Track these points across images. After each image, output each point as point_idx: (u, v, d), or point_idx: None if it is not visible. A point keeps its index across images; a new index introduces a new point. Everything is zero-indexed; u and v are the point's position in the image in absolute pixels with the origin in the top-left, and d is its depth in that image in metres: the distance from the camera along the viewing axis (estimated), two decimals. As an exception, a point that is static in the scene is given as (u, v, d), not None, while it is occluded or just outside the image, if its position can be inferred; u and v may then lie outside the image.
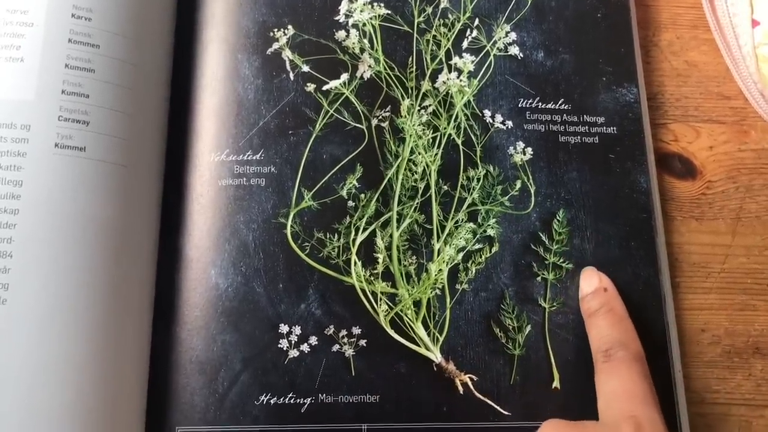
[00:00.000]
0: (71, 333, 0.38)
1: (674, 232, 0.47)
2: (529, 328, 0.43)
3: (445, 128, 0.44)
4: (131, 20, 0.44)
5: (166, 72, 0.46)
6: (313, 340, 0.42)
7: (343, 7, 0.47)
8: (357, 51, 0.46)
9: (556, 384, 0.42)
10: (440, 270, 0.42)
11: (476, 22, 0.47)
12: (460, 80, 0.45)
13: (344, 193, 0.44)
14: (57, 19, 0.42)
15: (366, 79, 0.46)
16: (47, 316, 0.38)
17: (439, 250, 0.43)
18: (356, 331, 0.42)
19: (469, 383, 0.41)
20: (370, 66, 0.45)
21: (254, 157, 0.44)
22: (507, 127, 0.46)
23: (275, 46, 0.46)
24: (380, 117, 0.45)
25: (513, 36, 0.48)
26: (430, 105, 0.45)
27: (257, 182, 0.44)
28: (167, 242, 0.43)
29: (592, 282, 0.42)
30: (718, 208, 0.48)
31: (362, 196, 0.44)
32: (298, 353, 0.42)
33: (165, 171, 0.45)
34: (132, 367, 0.41)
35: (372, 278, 0.42)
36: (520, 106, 0.47)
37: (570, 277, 0.44)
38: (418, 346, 0.42)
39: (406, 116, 0.44)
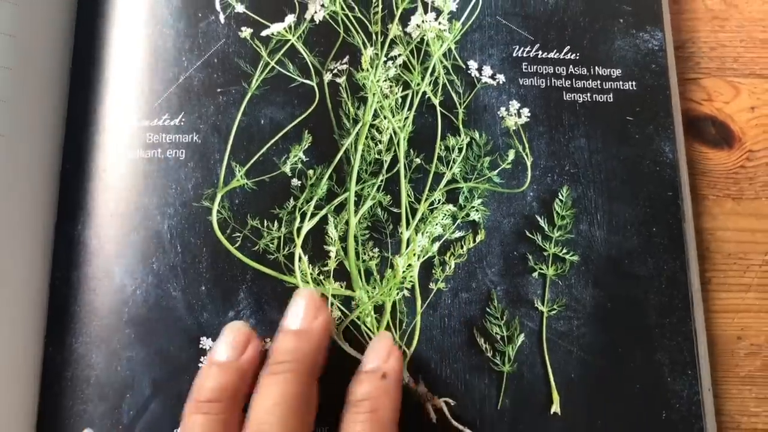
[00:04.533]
0: None
1: (705, 215, 0.45)
2: (522, 337, 0.40)
3: (418, 85, 0.42)
4: None
5: (62, 14, 0.42)
6: None
7: None
8: None
9: (555, 408, 0.40)
10: (409, 265, 0.40)
11: None
12: (439, 23, 0.43)
13: (287, 168, 0.41)
14: None
15: (318, 21, 0.43)
16: None
17: (408, 239, 0.40)
18: (300, 344, 0.40)
19: (445, 409, 0.39)
20: (323, 5, 0.43)
21: (172, 123, 0.42)
22: (497, 83, 0.44)
23: None
24: (335, 71, 0.43)
25: None
26: (399, 55, 0.42)
27: (175, 154, 0.41)
28: (61, 229, 0.41)
29: (378, 354, 0.37)
30: (760, 184, 0.45)
31: (311, 172, 0.41)
32: (225, 374, 0.40)
33: (61, 140, 0.42)
34: (15, 388, 0.38)
35: (321, 277, 0.40)
36: (514, 55, 0.44)
37: (575, 273, 0.41)
38: None
39: (368, 69, 0.42)
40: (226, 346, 0.35)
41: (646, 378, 0.40)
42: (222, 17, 0.43)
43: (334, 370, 0.38)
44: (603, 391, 0.39)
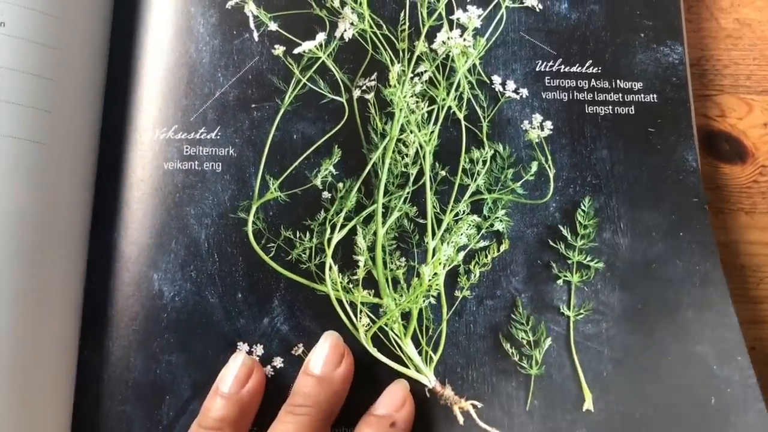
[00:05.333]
0: None
1: (720, 229, 0.45)
2: (548, 341, 0.40)
3: (443, 99, 0.42)
4: None
5: (101, 28, 0.43)
6: (279, 361, 0.40)
7: None
8: (336, 4, 0.43)
9: (588, 406, 0.39)
10: (435, 274, 0.40)
11: None
12: (464, 39, 0.43)
13: (318, 181, 0.41)
14: None
15: (347, 39, 0.43)
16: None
17: (434, 249, 0.40)
18: (331, 350, 0.40)
19: (472, 411, 0.39)
20: (352, 23, 0.43)
21: (209, 136, 0.42)
22: (521, 97, 0.43)
23: None
24: (364, 87, 0.43)
25: None
26: (425, 71, 0.43)
27: (212, 167, 0.42)
28: (99, 237, 0.41)
29: (392, 401, 0.38)
30: None
31: (340, 185, 0.41)
32: (260, 377, 0.40)
33: (98, 150, 0.42)
34: (53, 391, 0.38)
35: (351, 286, 0.40)
36: (537, 70, 0.44)
37: (601, 279, 0.41)
38: (407, 367, 0.39)
39: (395, 86, 0.42)
40: (230, 377, 0.37)
41: (687, 369, 0.39)
42: (256, 35, 0.43)
43: (361, 374, 0.39)
44: (638, 384, 0.39)
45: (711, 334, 0.40)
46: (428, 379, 0.39)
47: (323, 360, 0.37)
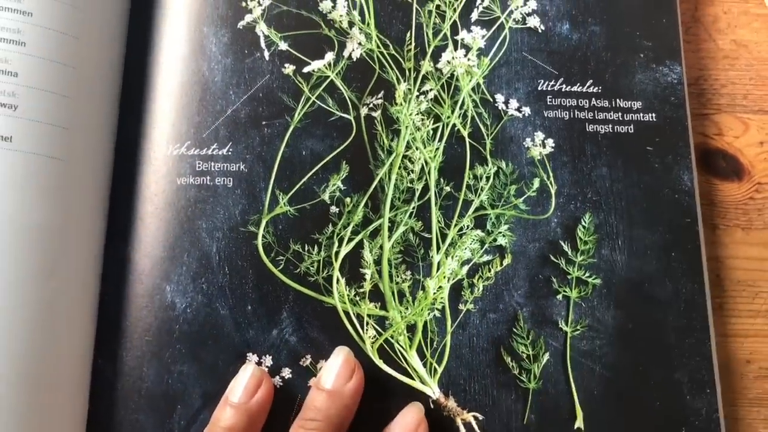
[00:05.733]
0: None
1: (716, 244, 0.45)
2: (546, 356, 0.40)
3: (448, 117, 0.42)
4: None
5: (116, 46, 0.43)
6: (287, 372, 0.40)
7: None
8: (345, 25, 0.43)
9: (578, 424, 0.39)
10: (440, 287, 0.40)
11: None
12: (468, 59, 0.43)
13: (326, 196, 0.42)
14: None
15: (355, 59, 0.43)
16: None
17: (439, 263, 0.40)
18: (338, 361, 0.40)
19: (473, 423, 0.38)
20: (360, 43, 0.43)
21: (220, 152, 0.42)
22: (523, 115, 0.44)
23: (248, 18, 0.44)
24: (371, 105, 0.43)
25: (533, 4, 0.45)
26: (431, 90, 0.43)
27: (223, 182, 0.42)
28: (113, 250, 0.41)
29: (406, 426, 0.38)
30: None
31: (348, 200, 0.42)
32: (269, 387, 0.40)
33: (113, 166, 0.42)
34: (68, 399, 0.38)
35: (357, 298, 0.40)
36: (539, 89, 0.44)
37: (598, 295, 0.41)
38: (412, 378, 0.39)
39: (401, 104, 0.42)
40: (239, 388, 0.38)
41: (666, 395, 0.39)
42: (267, 54, 0.43)
43: (369, 386, 0.39)
44: (624, 407, 0.39)
45: (688, 362, 0.40)
46: (432, 390, 0.39)
47: (334, 375, 0.38)
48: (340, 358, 0.38)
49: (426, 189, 0.41)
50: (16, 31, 0.37)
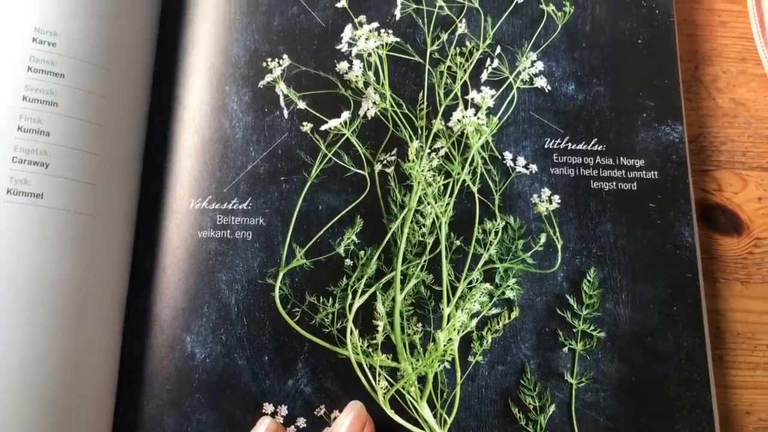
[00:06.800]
0: (20, 407, 0.36)
1: (716, 297, 0.45)
2: (553, 407, 0.40)
3: (458, 174, 0.43)
4: (102, 46, 0.41)
5: (141, 105, 0.44)
6: (302, 422, 0.40)
7: (346, 35, 0.45)
8: (360, 85, 0.44)
9: None
10: (450, 339, 0.40)
11: (497, 50, 0.45)
12: (478, 118, 0.43)
13: (341, 249, 0.42)
14: (15, 44, 0.39)
15: (370, 117, 0.44)
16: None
17: (449, 315, 0.41)
18: (351, 411, 0.40)
19: None
20: (374, 102, 0.44)
21: (240, 207, 0.43)
22: (530, 172, 0.44)
23: (268, 78, 0.44)
24: (385, 161, 0.44)
25: (540, 66, 0.45)
26: (442, 147, 0.43)
27: (243, 235, 0.42)
28: (135, 301, 0.42)
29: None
30: (767, 269, 0.45)
31: (362, 253, 0.42)
32: (284, 437, 0.40)
33: (136, 219, 0.43)
34: None
35: (370, 350, 0.41)
36: (546, 147, 0.45)
37: (602, 348, 0.41)
38: (423, 429, 0.40)
39: (414, 160, 0.42)
40: None
41: None
42: (286, 113, 0.44)
43: None
44: None
45: (689, 414, 0.40)
46: None
47: (346, 428, 0.38)
48: (352, 412, 0.39)
49: (437, 243, 0.42)
50: (49, 92, 0.38)
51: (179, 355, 0.40)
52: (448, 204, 0.42)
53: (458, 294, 0.41)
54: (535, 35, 0.46)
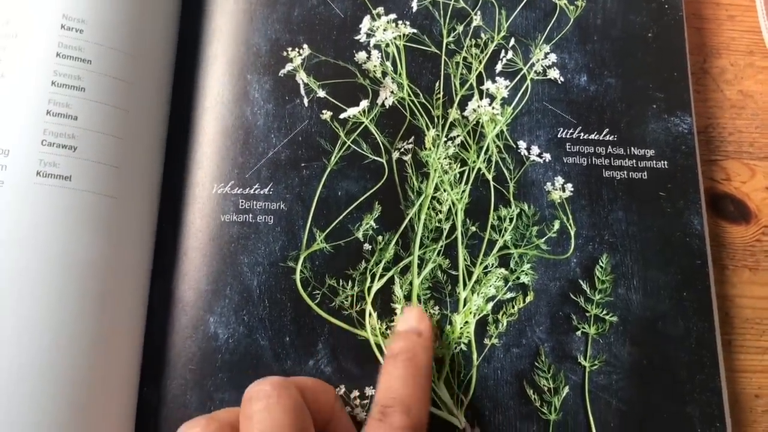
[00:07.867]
0: (49, 386, 0.36)
1: (725, 283, 0.45)
2: (566, 389, 0.41)
3: (474, 162, 0.43)
4: (128, 33, 0.41)
5: (165, 91, 0.44)
6: None
7: (365, 26, 0.45)
8: (378, 75, 0.44)
9: None
10: (466, 322, 0.41)
11: (512, 42, 0.46)
12: (493, 107, 0.44)
13: (360, 234, 0.42)
14: (43, 31, 0.39)
15: (388, 106, 0.44)
16: (23, 367, 0.36)
17: (465, 299, 0.41)
18: (369, 391, 0.40)
19: None
20: (392, 92, 0.44)
21: (262, 192, 0.43)
22: (544, 161, 0.44)
23: (289, 67, 0.45)
24: (402, 149, 0.44)
25: (553, 58, 0.46)
26: (458, 136, 0.44)
27: (264, 220, 0.43)
28: (159, 283, 0.42)
29: (408, 321, 0.39)
30: None
31: (380, 238, 0.42)
32: (305, 415, 0.41)
33: (160, 203, 0.43)
34: (115, 424, 0.39)
35: (388, 332, 0.41)
36: (559, 136, 0.45)
37: (614, 332, 0.42)
38: (440, 409, 0.40)
39: (430, 148, 0.43)
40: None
41: (678, 428, 0.40)
42: (306, 101, 0.44)
43: None
44: None
45: (699, 397, 0.40)
46: (459, 421, 0.39)
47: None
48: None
49: (453, 228, 0.42)
50: (77, 77, 0.39)
51: (202, 336, 0.41)
52: (463, 191, 0.43)
53: (474, 278, 0.42)
54: (548, 28, 0.47)
